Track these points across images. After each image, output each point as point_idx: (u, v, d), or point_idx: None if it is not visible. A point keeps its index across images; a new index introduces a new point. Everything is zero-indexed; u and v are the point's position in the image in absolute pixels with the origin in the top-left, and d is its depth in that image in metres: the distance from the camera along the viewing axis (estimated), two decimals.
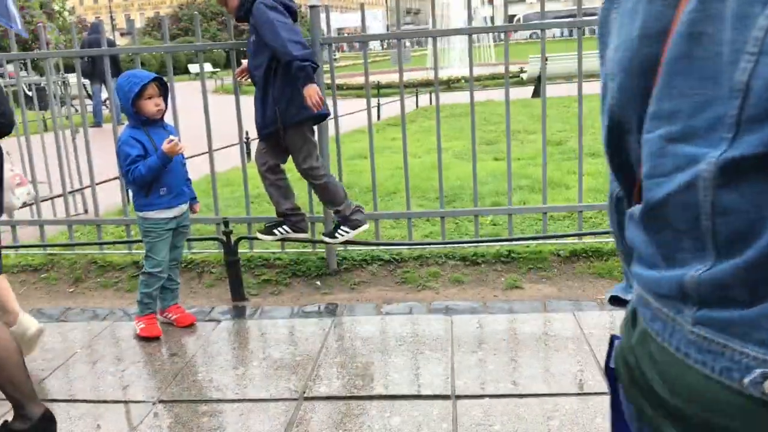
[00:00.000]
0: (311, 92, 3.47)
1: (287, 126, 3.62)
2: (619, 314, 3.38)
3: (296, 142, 3.67)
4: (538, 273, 3.95)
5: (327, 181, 3.77)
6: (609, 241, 4.12)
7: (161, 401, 2.87)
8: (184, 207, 3.45)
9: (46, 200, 5.36)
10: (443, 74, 20.28)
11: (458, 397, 2.72)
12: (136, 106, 3.22)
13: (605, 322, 3.35)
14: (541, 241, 4.09)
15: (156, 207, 3.33)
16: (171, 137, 3.25)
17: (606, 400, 0.87)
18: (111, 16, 65.17)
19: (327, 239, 3.91)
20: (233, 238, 3.83)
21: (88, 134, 4.46)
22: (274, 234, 3.94)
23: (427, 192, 5.71)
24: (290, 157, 3.80)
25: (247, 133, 6.32)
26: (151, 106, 3.24)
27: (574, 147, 7.56)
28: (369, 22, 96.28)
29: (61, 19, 28.05)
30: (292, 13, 3.70)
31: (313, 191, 4.02)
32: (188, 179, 3.51)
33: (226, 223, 3.83)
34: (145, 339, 3.42)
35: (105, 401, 2.90)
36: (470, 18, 3.92)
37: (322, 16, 3.84)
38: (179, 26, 44.96)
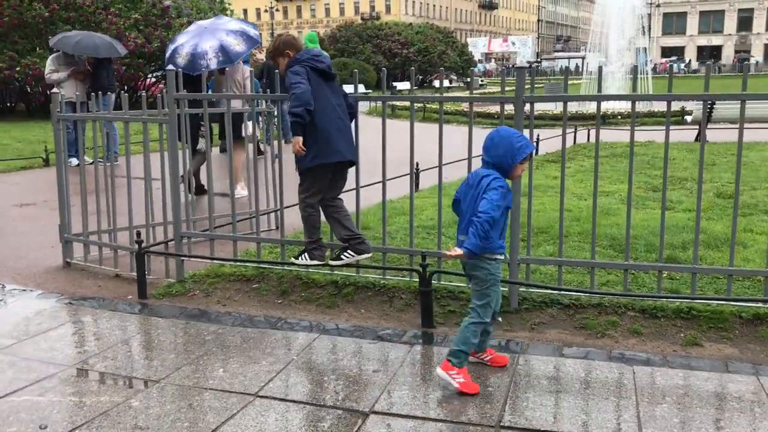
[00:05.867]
0: (293, 142, 4.46)
1: (299, 168, 4.58)
2: None
3: (303, 178, 4.62)
4: (718, 332, 4.06)
5: (307, 216, 4.64)
6: None
7: (373, 412, 3.30)
8: None
9: (249, 217, 6.07)
10: (593, 109, 20.05)
11: None
12: (513, 166, 3.41)
13: None
14: (723, 302, 4.19)
15: (501, 250, 3.50)
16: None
17: None
18: (271, 34, 69.45)
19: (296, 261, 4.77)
20: (428, 271, 4.25)
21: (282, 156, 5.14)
22: (341, 259, 4.69)
23: (598, 238, 5.87)
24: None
25: (417, 164, 6.79)
26: (520, 171, 3.48)
27: (749, 201, 7.44)
28: (518, 47, 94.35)
29: None
30: (321, 72, 4.54)
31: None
32: None
33: (423, 257, 4.26)
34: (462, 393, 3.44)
35: (325, 405, 3.37)
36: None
37: (527, 77, 4.20)
38: (335, 47, 47.14)
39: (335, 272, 4.98)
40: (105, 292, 5.17)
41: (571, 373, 3.68)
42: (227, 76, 7.35)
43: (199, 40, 7.57)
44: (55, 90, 6.02)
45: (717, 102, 13.89)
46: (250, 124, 7.99)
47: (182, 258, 5.14)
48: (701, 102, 12.22)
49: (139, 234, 4.99)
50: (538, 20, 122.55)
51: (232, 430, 3.15)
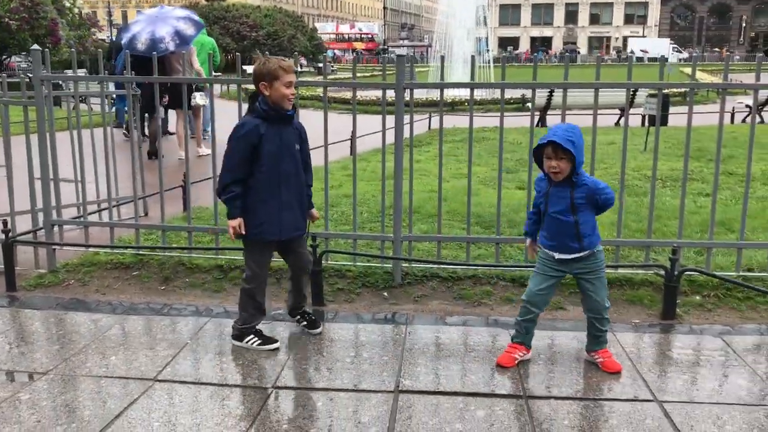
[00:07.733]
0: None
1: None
2: (648, 335, 3.98)
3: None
4: (578, 297, 4.54)
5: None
6: (639, 273, 4.74)
7: (276, 387, 3.41)
8: None
9: (118, 205, 5.89)
10: (446, 95, 21.00)
11: (530, 397, 3.31)
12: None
13: (638, 342, 3.96)
14: None
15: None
16: None
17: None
18: (109, 11, 65.26)
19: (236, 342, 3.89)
20: (318, 251, 4.40)
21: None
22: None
23: (462, 216, 6.29)
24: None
25: None
26: (545, 164, 3.57)
27: None
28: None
29: (71, 15, 28.40)
30: None
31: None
32: None
33: (314, 238, 4.40)
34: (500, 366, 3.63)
35: (228, 385, 3.44)
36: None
37: (407, 65, 4.44)
38: None
39: (219, 256, 4.98)
40: None
41: (455, 339, 3.99)
42: (180, 55, 8.44)
43: (154, 27, 8.82)
44: None
45: (555, 90, 15.08)
46: (197, 95, 8.50)
47: (54, 247, 4.90)
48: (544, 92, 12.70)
49: (6, 223, 4.70)
50: (384, 7, 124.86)
51: (137, 414, 3.14)
